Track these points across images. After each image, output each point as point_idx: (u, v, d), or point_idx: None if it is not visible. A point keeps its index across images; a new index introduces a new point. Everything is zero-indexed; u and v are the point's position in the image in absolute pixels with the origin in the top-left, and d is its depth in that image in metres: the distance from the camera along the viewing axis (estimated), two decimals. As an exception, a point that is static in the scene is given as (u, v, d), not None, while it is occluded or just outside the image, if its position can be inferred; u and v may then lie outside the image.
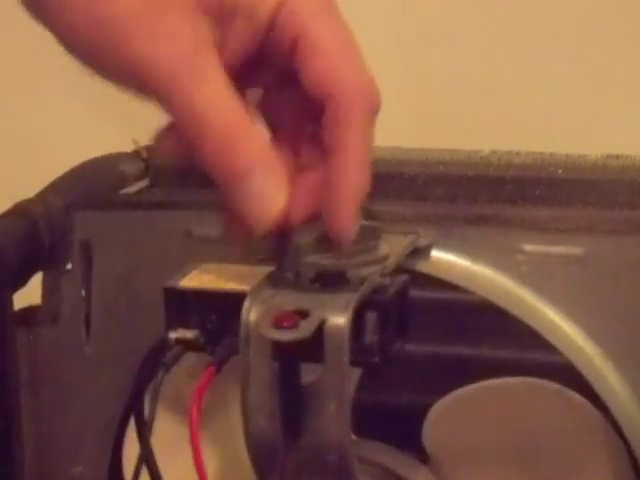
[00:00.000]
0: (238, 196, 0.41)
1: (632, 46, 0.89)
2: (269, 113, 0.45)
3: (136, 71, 0.40)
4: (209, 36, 0.40)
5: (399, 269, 0.49)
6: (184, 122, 0.41)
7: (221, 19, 0.41)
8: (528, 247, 0.52)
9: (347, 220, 0.42)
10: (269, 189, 0.41)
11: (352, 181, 0.42)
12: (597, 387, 0.52)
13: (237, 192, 0.41)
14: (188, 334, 0.47)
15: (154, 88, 0.40)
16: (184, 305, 0.47)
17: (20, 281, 0.55)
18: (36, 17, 0.41)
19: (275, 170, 0.41)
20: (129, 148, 0.63)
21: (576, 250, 0.52)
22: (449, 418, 0.54)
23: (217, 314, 0.47)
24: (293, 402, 0.44)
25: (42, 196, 0.56)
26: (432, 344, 0.56)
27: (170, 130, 0.43)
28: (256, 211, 0.41)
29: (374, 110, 0.41)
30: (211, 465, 0.56)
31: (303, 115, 0.44)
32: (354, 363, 0.45)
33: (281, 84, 0.44)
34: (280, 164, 0.41)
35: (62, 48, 0.41)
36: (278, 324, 0.43)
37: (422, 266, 0.53)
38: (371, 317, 0.46)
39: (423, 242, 0.52)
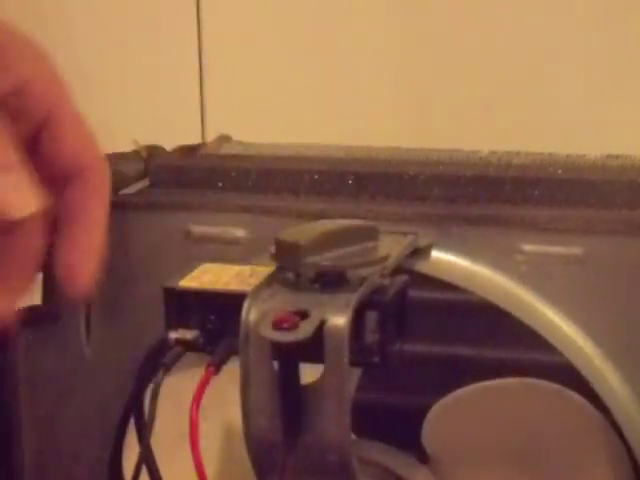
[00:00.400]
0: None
1: (632, 46, 0.89)
2: None
3: None
4: None
5: (399, 269, 0.49)
6: None
7: None
8: (527, 247, 0.52)
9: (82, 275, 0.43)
10: (31, 187, 0.41)
11: (95, 243, 0.43)
12: (597, 387, 0.52)
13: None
14: (188, 334, 0.47)
15: None
16: (184, 305, 0.47)
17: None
18: None
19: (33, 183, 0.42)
20: (129, 148, 0.63)
21: (576, 250, 0.52)
22: (449, 418, 0.54)
23: (217, 314, 0.47)
24: (293, 402, 0.44)
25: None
26: (432, 344, 0.56)
27: None
28: (19, 198, 0.41)
29: (106, 183, 0.45)
30: (211, 465, 0.56)
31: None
32: (354, 363, 0.45)
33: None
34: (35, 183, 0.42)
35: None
36: (278, 325, 0.43)
37: (422, 266, 0.53)
38: (371, 317, 0.46)
39: (423, 242, 0.52)
